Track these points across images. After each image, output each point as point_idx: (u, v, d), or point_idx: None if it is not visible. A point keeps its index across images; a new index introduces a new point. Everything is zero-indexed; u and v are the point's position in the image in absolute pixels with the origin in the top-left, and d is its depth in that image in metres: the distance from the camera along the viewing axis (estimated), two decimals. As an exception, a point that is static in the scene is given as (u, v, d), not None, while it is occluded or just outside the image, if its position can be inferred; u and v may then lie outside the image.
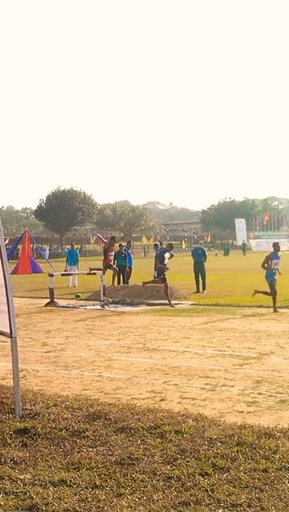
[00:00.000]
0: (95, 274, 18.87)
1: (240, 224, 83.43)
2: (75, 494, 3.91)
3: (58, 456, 4.61)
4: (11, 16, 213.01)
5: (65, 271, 24.33)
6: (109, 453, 4.62)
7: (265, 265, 14.60)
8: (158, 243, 25.54)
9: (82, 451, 4.66)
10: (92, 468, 4.31)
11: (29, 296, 19.91)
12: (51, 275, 17.80)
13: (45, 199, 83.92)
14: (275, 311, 13.98)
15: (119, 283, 20.86)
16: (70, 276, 23.93)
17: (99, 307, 16.41)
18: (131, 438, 4.91)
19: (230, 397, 6.48)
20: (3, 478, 4.19)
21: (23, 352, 9.05)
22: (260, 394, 6.55)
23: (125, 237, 44.86)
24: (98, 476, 4.18)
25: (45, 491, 3.94)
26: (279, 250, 14.88)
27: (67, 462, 4.46)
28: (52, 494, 3.89)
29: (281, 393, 6.56)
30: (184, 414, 5.53)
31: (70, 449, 4.72)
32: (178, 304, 16.05)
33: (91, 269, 19.17)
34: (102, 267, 18.92)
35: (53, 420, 5.36)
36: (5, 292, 5.58)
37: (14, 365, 5.66)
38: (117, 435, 4.99)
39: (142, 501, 3.79)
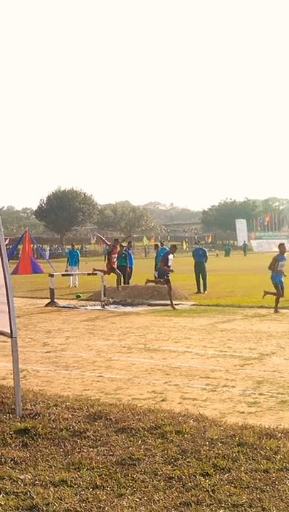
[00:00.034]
0: (95, 274, 18.82)
1: (240, 224, 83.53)
2: (76, 494, 3.90)
3: (58, 456, 4.60)
4: (11, 16, 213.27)
5: (66, 271, 24.33)
6: (110, 453, 4.61)
7: (272, 267, 14.55)
8: (159, 244, 25.51)
9: (83, 452, 4.65)
10: (93, 469, 4.30)
11: (29, 296, 19.90)
12: (52, 275, 17.79)
13: (45, 199, 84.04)
14: (276, 311, 13.97)
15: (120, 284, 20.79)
16: (71, 277, 23.92)
17: (99, 307, 16.40)
18: (132, 438, 4.90)
19: (231, 397, 6.47)
20: (4, 478, 4.18)
21: (23, 352, 9.04)
22: (261, 394, 6.54)
23: (130, 237, 44.73)
24: (99, 476, 4.17)
25: (46, 491, 3.93)
26: (285, 251, 14.80)
27: (67, 462, 4.45)
28: (52, 494, 3.88)
29: (282, 394, 6.55)
30: (184, 415, 5.52)
31: (71, 449, 4.71)
32: (179, 304, 16.02)
33: (95, 270, 19.07)
34: (105, 269, 18.78)
35: (53, 420, 5.35)
36: (5, 292, 5.57)
37: (14, 365, 5.66)
38: (117, 435, 4.98)
39: (143, 501, 3.78)
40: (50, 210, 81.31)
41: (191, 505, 3.69)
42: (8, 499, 3.85)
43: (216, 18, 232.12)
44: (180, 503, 3.73)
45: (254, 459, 4.38)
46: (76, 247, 26.80)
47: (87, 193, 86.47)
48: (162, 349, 9.53)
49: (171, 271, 16.05)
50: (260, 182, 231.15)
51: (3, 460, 4.53)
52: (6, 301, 5.55)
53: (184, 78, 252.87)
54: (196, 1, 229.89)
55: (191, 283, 20.11)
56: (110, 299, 17.23)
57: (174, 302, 15.88)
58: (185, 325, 12.30)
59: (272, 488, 3.91)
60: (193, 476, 4.12)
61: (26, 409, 5.70)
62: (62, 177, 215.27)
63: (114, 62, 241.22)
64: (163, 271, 16.33)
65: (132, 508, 3.70)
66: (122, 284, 19.00)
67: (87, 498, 3.83)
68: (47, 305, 16.91)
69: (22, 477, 4.19)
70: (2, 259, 5.65)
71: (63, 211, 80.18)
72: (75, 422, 5.28)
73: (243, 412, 5.86)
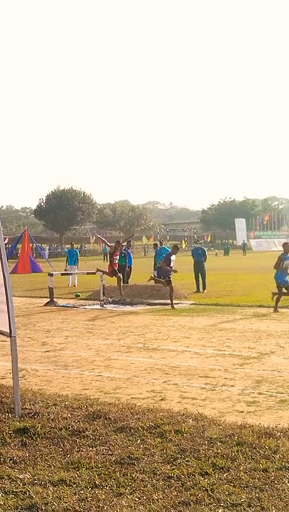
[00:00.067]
0: (99, 274, 18.75)
1: (240, 224, 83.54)
2: (75, 494, 3.90)
3: (57, 455, 4.60)
4: (11, 16, 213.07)
5: (65, 270, 24.30)
6: (109, 452, 4.61)
7: (278, 266, 14.49)
8: (158, 243, 25.51)
9: (82, 451, 4.65)
10: (92, 468, 4.30)
11: (29, 295, 19.90)
12: (51, 275, 17.78)
13: (44, 198, 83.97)
14: (275, 310, 13.97)
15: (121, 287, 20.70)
16: (70, 276, 23.91)
17: (99, 307, 16.40)
18: (131, 437, 4.90)
19: (231, 396, 6.47)
20: (3, 478, 4.18)
21: (22, 351, 9.04)
22: (260, 394, 6.54)
23: (132, 236, 44.51)
24: (98, 475, 4.17)
25: (45, 491, 3.93)
26: None
27: (66, 462, 4.45)
28: (51, 494, 3.88)
29: (281, 393, 6.55)
30: (183, 414, 5.52)
31: (70, 449, 4.71)
32: (178, 303, 16.02)
33: (98, 270, 18.96)
34: (108, 271, 18.66)
35: (52, 420, 5.35)
36: (4, 292, 5.57)
37: (14, 364, 5.65)
38: (116, 435, 4.98)
39: (142, 501, 3.78)
40: (49, 209, 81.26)
41: (190, 505, 3.69)
42: (7, 498, 3.85)
43: (216, 18, 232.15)
44: (179, 503, 3.73)
45: (253, 458, 4.38)
46: (75, 246, 26.78)
47: (87, 192, 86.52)
48: (161, 348, 9.53)
49: (175, 271, 16.00)
50: (259, 181, 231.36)
51: (2, 459, 4.53)
52: (5, 301, 5.55)
53: (183, 78, 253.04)
54: (196, 1, 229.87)
55: (190, 282, 20.11)
56: (109, 298, 17.22)
57: (174, 301, 15.86)
58: (184, 324, 12.30)
59: (271, 487, 3.91)
60: (192, 475, 4.12)
61: (25, 408, 5.70)
62: (61, 176, 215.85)
63: (114, 61, 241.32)
64: (165, 272, 16.23)
65: (131, 507, 3.70)
66: (122, 286, 18.96)
67: (86, 498, 3.83)
68: (46, 304, 16.91)
69: (21, 476, 4.19)
70: (1, 258, 5.64)
71: (62, 210, 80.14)
72: (74, 422, 5.28)
73: (242, 412, 5.86)
